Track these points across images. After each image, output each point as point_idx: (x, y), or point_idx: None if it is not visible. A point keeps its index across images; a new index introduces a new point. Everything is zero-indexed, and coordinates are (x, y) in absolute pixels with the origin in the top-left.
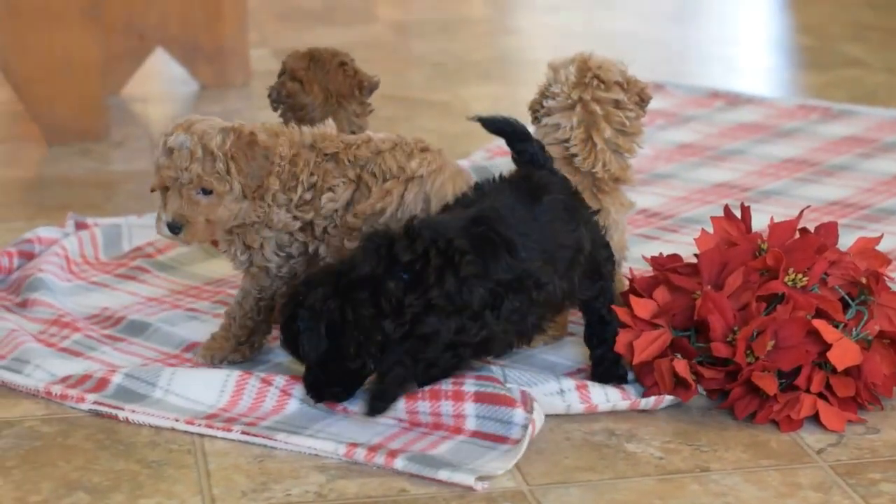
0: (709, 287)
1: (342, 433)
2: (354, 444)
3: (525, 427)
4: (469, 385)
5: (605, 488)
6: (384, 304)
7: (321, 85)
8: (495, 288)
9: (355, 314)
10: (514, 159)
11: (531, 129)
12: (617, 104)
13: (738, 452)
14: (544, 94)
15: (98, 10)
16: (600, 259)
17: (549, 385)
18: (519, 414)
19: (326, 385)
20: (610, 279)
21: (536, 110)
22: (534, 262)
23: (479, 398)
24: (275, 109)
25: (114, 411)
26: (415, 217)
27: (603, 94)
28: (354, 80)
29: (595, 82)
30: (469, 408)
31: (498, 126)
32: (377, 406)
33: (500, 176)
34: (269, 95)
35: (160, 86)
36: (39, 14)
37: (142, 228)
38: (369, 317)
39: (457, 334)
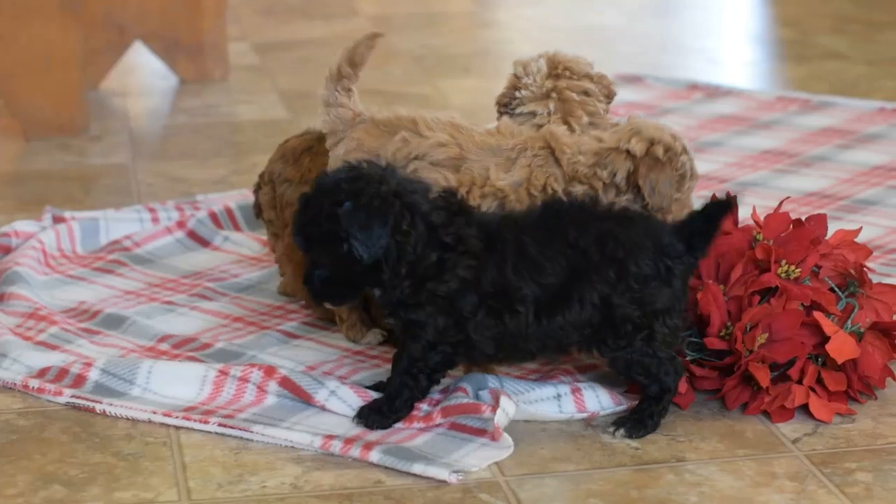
0: (710, 280)
1: (319, 425)
2: (331, 437)
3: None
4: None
5: (581, 479)
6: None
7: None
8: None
9: (411, 229)
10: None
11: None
12: (587, 94)
13: (714, 443)
14: (515, 86)
15: (77, 4)
16: (617, 316)
17: (544, 390)
18: (487, 415)
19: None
20: (636, 346)
21: (507, 104)
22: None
23: (446, 412)
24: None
25: (91, 404)
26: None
27: (575, 83)
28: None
29: (567, 73)
30: (438, 419)
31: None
32: (378, 421)
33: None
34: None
35: (139, 80)
36: (18, 8)
37: (119, 222)
38: (422, 243)
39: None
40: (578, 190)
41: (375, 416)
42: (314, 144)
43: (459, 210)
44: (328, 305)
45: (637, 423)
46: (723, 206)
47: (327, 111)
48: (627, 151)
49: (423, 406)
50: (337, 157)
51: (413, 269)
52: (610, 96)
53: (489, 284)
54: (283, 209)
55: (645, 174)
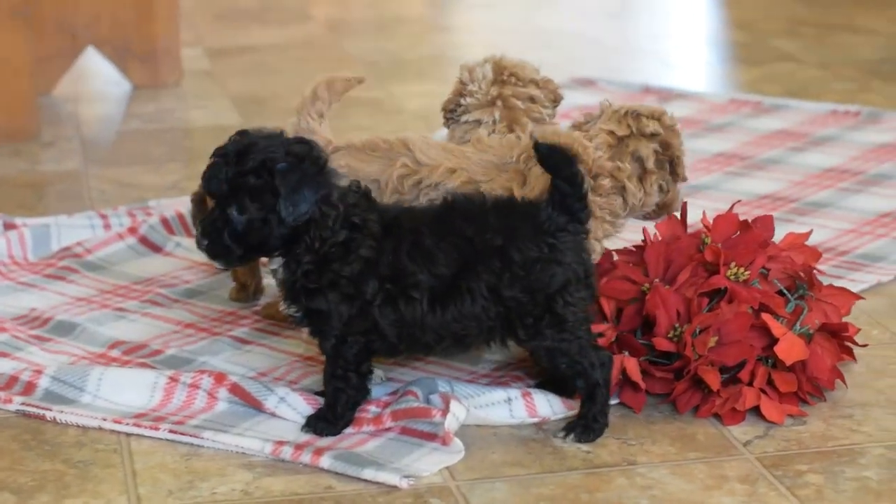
0: (657, 280)
1: (269, 431)
2: (281, 442)
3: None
4: (389, 407)
5: (532, 483)
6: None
7: None
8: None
9: (338, 203)
10: (550, 190)
11: (444, 131)
12: (533, 100)
13: (665, 446)
14: (461, 93)
15: (28, 10)
16: (513, 308)
17: (495, 394)
18: (438, 419)
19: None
20: (546, 334)
21: (452, 110)
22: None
23: (396, 416)
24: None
25: (41, 411)
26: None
27: (521, 90)
28: None
29: (512, 79)
30: (388, 422)
31: (554, 157)
32: (326, 429)
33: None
34: None
35: (92, 86)
36: None
37: (71, 228)
38: (340, 220)
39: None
40: (606, 184)
41: (323, 424)
42: None
43: (364, 196)
44: (217, 263)
45: (585, 427)
46: (561, 156)
47: None
48: (642, 133)
49: (371, 407)
50: None
51: (322, 246)
52: (556, 100)
53: (386, 267)
54: None
55: (677, 144)
